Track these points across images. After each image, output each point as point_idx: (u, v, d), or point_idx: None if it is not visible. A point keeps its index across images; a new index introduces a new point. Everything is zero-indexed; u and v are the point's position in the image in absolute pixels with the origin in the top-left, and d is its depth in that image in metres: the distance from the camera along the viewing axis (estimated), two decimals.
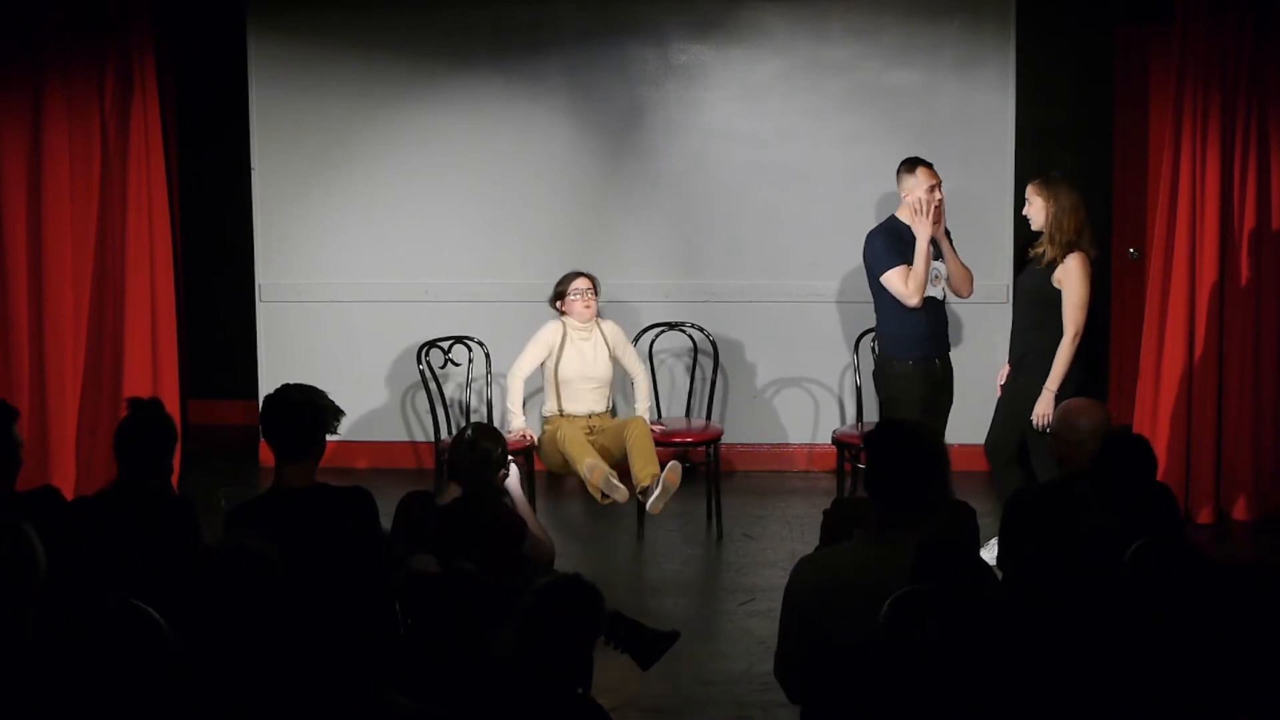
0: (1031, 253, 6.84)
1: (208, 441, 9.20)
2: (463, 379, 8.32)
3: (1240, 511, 7.66)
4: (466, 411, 8.21)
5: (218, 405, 9.64)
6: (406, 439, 8.82)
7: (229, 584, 3.41)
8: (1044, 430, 6.48)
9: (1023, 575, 3.94)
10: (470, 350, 8.26)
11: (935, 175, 6.94)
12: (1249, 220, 7.52)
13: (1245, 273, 7.55)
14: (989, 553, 4.71)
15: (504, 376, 7.95)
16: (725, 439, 8.21)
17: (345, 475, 6.73)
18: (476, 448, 5.19)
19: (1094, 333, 7.08)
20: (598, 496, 7.14)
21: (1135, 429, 7.45)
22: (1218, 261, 7.51)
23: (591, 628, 3.58)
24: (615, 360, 7.68)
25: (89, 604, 3.18)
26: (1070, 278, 6.65)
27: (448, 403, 8.14)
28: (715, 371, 8.34)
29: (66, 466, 7.60)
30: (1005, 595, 3.87)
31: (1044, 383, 6.66)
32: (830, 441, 8.01)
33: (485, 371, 8.30)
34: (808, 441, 8.78)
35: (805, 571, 4.17)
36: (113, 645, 3.12)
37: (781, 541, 7.44)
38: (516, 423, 7.51)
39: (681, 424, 8.10)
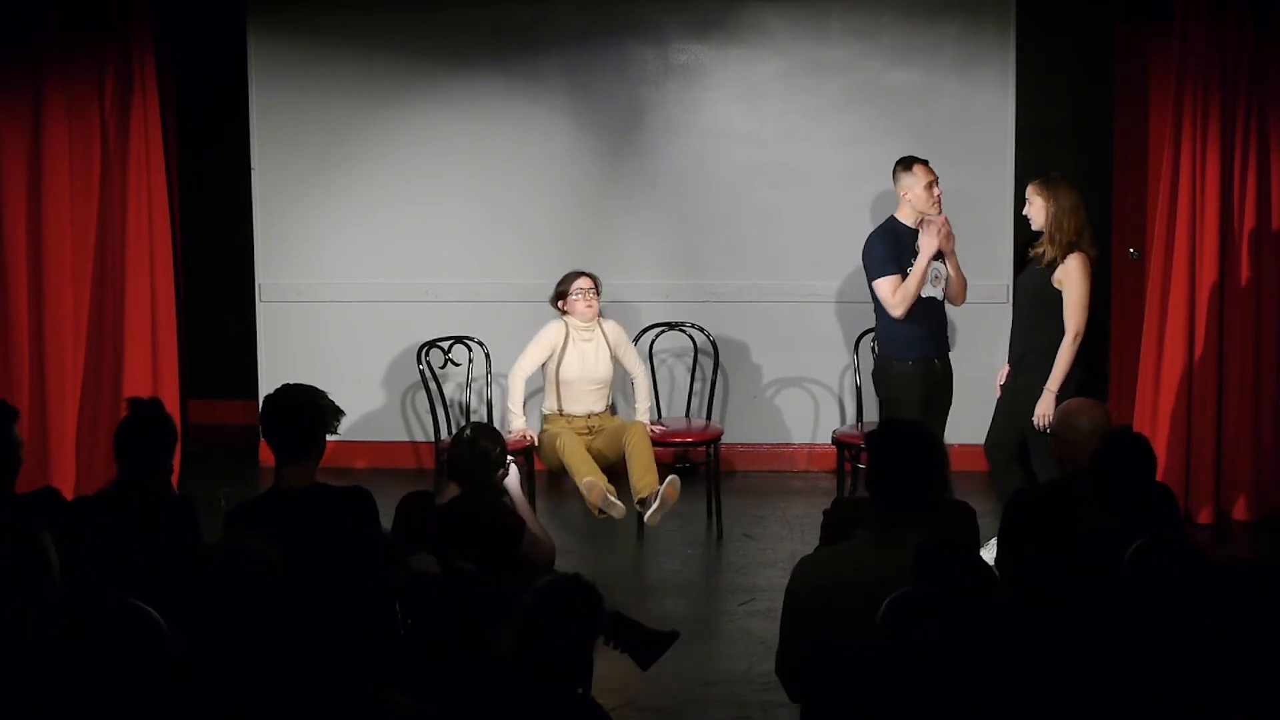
0: (1031, 253, 6.85)
1: (208, 441, 9.20)
2: (463, 379, 8.32)
3: (1240, 511, 7.66)
4: (466, 412, 8.21)
5: (218, 405, 9.64)
6: (406, 439, 8.82)
7: (229, 584, 3.41)
8: (1044, 430, 6.48)
9: (1023, 575, 3.94)
10: (470, 350, 8.26)
11: (932, 172, 6.95)
12: (1249, 220, 7.52)
13: (1245, 273, 7.55)
14: (989, 553, 4.71)
15: (504, 376, 7.95)
16: (725, 439, 8.21)
17: (345, 475, 6.73)
18: (475, 447, 5.19)
19: (1094, 333, 7.08)
20: (594, 512, 7.14)
21: (1135, 429, 7.43)
22: (1218, 261, 7.51)
23: (591, 628, 3.58)
24: (616, 360, 7.68)
25: (89, 604, 3.18)
26: (1071, 278, 6.65)
27: (448, 403, 8.14)
28: (715, 371, 8.35)
29: (66, 466, 7.59)
30: (1005, 595, 3.87)
31: (1044, 383, 6.66)
32: (830, 441, 8.02)
33: (485, 371, 8.30)
34: (808, 441, 8.78)
35: (806, 571, 4.17)
36: (113, 645, 3.12)
37: (781, 541, 7.44)
38: (517, 423, 7.51)
39: (681, 424, 8.10)
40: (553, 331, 7.58)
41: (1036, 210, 6.76)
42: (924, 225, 6.89)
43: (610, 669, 4.77)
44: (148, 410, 4.81)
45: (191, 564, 3.51)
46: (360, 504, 4.81)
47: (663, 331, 8.43)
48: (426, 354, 8.04)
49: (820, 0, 8.52)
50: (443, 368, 8.15)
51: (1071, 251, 6.66)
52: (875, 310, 7.04)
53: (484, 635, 4.54)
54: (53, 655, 3.13)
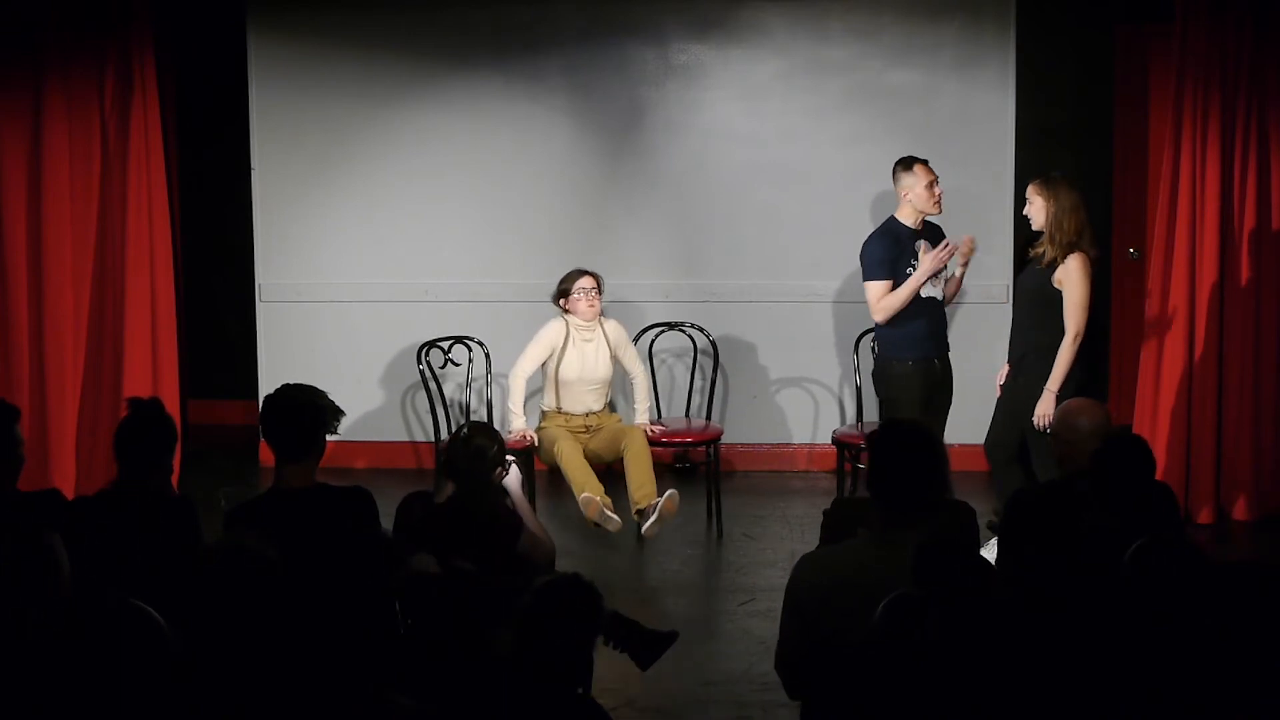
0: (1031, 253, 6.85)
1: (208, 441, 9.20)
2: (463, 379, 8.33)
3: (1240, 511, 7.66)
4: (466, 412, 8.21)
5: (218, 405, 9.64)
6: (406, 439, 8.82)
7: (229, 584, 3.41)
8: (1044, 430, 6.48)
9: (1023, 575, 3.94)
10: (470, 350, 8.26)
11: (932, 172, 6.96)
12: (1249, 220, 7.52)
13: (1245, 273, 7.55)
14: (989, 553, 4.71)
15: (504, 376, 7.96)
16: (725, 439, 8.21)
17: (345, 475, 6.73)
18: (470, 444, 5.19)
19: (1094, 333, 7.08)
20: (590, 525, 7.13)
21: (1135, 429, 7.45)
22: (1218, 261, 7.52)
23: (591, 627, 3.58)
24: (616, 360, 7.68)
25: (89, 604, 3.18)
26: (1071, 278, 6.65)
27: (448, 403, 8.14)
28: (715, 371, 8.35)
29: (66, 466, 7.60)
30: (1005, 595, 3.87)
31: (1044, 383, 6.66)
32: (830, 441, 8.01)
33: (485, 371, 8.30)
34: (808, 441, 8.78)
35: (806, 569, 4.17)
36: (113, 645, 3.12)
37: (781, 541, 7.44)
38: (517, 423, 7.50)
39: (681, 424, 8.10)
40: (553, 331, 7.57)
41: (1037, 210, 6.76)
42: (924, 248, 6.89)
43: (610, 669, 4.77)
44: (148, 410, 4.81)
45: (191, 564, 3.51)
46: (360, 504, 4.81)
47: (663, 331, 8.43)
48: (426, 354, 8.04)
49: (820, 0, 8.52)
50: (443, 368, 8.15)
51: (1072, 251, 6.66)
52: None
53: (484, 635, 4.54)
54: (53, 655, 3.13)
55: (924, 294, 6.91)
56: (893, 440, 4.23)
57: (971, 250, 7.05)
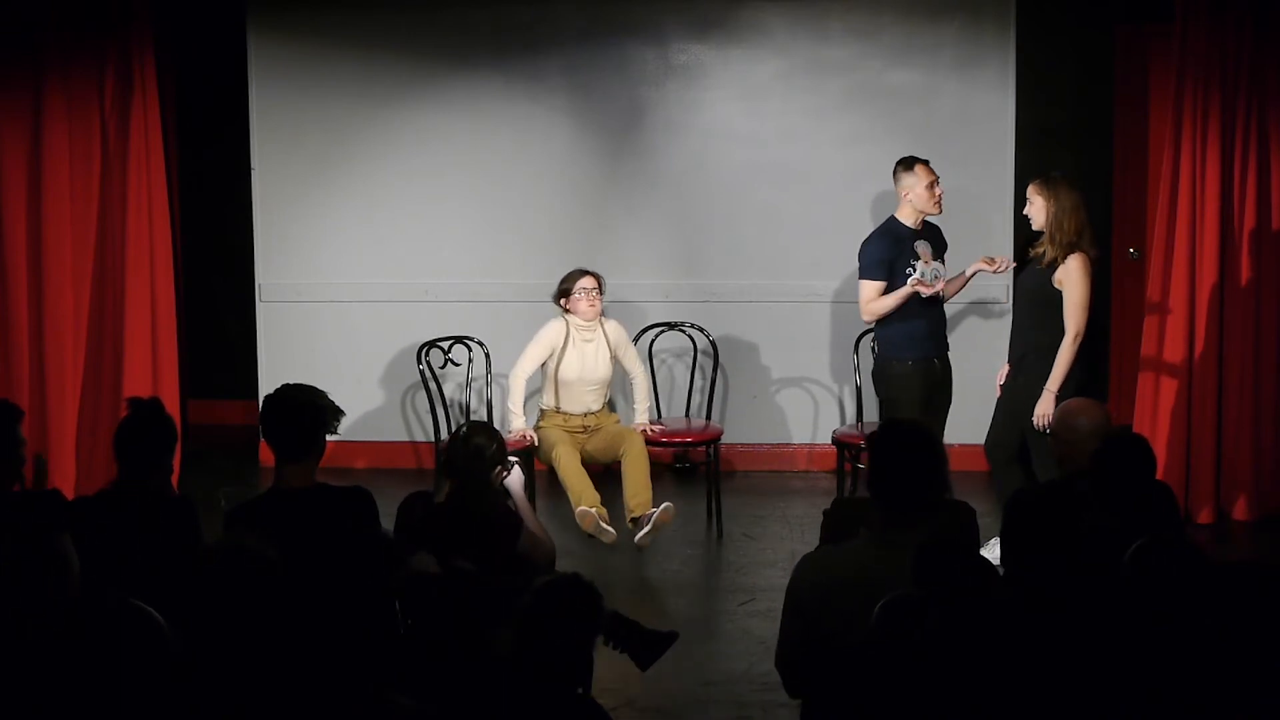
0: (1032, 253, 6.85)
1: (208, 441, 9.20)
2: (463, 379, 8.33)
3: (1240, 511, 7.66)
4: (466, 412, 8.21)
5: (218, 405, 9.64)
6: (406, 439, 8.82)
7: (229, 584, 3.41)
8: (1044, 430, 6.48)
9: (1023, 575, 3.94)
10: (470, 350, 8.26)
11: (933, 172, 6.96)
12: (1249, 220, 7.52)
13: (1245, 273, 7.55)
14: (990, 552, 4.71)
15: (504, 376, 7.96)
16: (725, 439, 8.21)
17: (345, 475, 6.73)
18: (469, 443, 5.19)
19: (1094, 333, 7.08)
20: (584, 533, 7.12)
21: (1135, 429, 7.44)
22: (1218, 261, 7.51)
23: (591, 627, 3.58)
24: (615, 360, 7.67)
25: (89, 604, 3.18)
26: (1071, 278, 6.65)
27: (448, 403, 8.14)
28: (715, 371, 8.35)
29: (66, 466, 7.60)
30: (1005, 595, 3.87)
31: (1044, 383, 6.66)
32: (830, 441, 8.01)
33: (485, 371, 8.30)
34: (808, 441, 8.78)
35: (806, 569, 4.18)
36: (113, 645, 3.12)
37: (781, 541, 7.44)
38: (517, 423, 7.50)
39: (681, 424, 8.10)
40: (553, 331, 7.57)
41: (1037, 210, 6.76)
42: (924, 249, 6.90)
43: (610, 669, 4.77)
44: (148, 410, 4.81)
45: (191, 564, 3.51)
46: (360, 504, 4.82)
47: (663, 331, 8.43)
48: (426, 354, 8.04)
49: (820, 0, 8.52)
50: (443, 368, 8.15)
51: (1072, 251, 6.66)
52: None
53: (484, 635, 4.54)
54: (54, 655, 3.13)
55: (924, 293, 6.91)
56: (893, 440, 4.24)
57: (1004, 268, 7.07)
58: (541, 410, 7.62)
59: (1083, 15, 8.94)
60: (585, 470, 7.22)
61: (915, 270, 6.88)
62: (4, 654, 3.35)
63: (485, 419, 8.11)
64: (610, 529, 7.03)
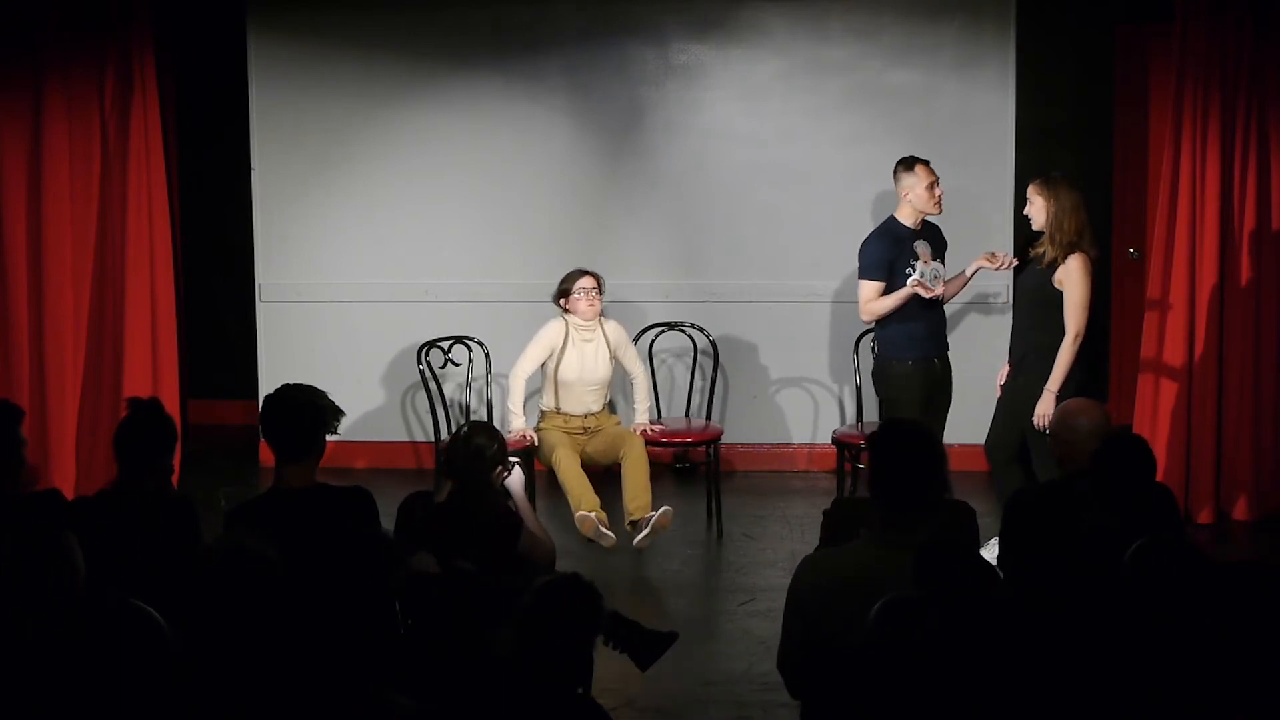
0: (1032, 253, 6.85)
1: (208, 441, 9.20)
2: (463, 379, 8.32)
3: (1240, 511, 7.66)
4: (466, 412, 8.21)
5: (218, 405, 9.64)
6: (406, 439, 8.82)
7: (229, 584, 3.42)
8: (1044, 430, 6.48)
9: (1023, 575, 3.94)
10: (470, 350, 8.26)
11: (933, 173, 6.96)
12: (1249, 220, 7.52)
13: (1245, 273, 7.55)
14: (989, 553, 4.71)
15: (504, 376, 7.95)
16: (725, 439, 8.21)
17: (345, 475, 6.73)
18: (470, 443, 5.20)
19: (1094, 333, 7.08)
20: (583, 536, 7.12)
21: (1135, 429, 7.45)
22: (1218, 261, 7.51)
23: (591, 627, 3.59)
24: (615, 360, 7.67)
25: (89, 604, 3.18)
26: (1071, 278, 6.65)
27: (448, 403, 8.14)
28: (715, 371, 8.34)
29: (66, 466, 7.60)
30: (1005, 595, 3.87)
31: (1044, 383, 6.66)
32: (830, 441, 8.01)
33: (485, 371, 8.30)
34: (808, 441, 8.78)
35: (807, 570, 4.18)
36: (113, 645, 3.12)
37: (781, 541, 7.44)
38: (517, 424, 7.50)
39: (681, 424, 8.10)
40: (553, 331, 7.57)
41: (1037, 210, 6.76)
42: (924, 249, 6.90)
43: (610, 669, 4.77)
44: (146, 410, 4.81)
45: (191, 564, 3.51)
46: (360, 504, 4.82)
47: (663, 331, 8.43)
48: (426, 354, 8.04)
49: (820, 0, 8.52)
50: (443, 368, 8.15)
51: (1072, 251, 6.66)
52: None
53: (484, 635, 4.55)
54: (54, 655, 3.13)
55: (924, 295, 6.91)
56: (893, 440, 4.24)
57: (1006, 266, 7.06)
58: (542, 412, 7.62)
59: (1083, 15, 8.94)
60: (585, 473, 7.22)
61: (915, 270, 6.88)
62: (5, 654, 3.35)
63: (485, 419, 8.11)
64: (610, 533, 7.03)
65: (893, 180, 7.06)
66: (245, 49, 8.68)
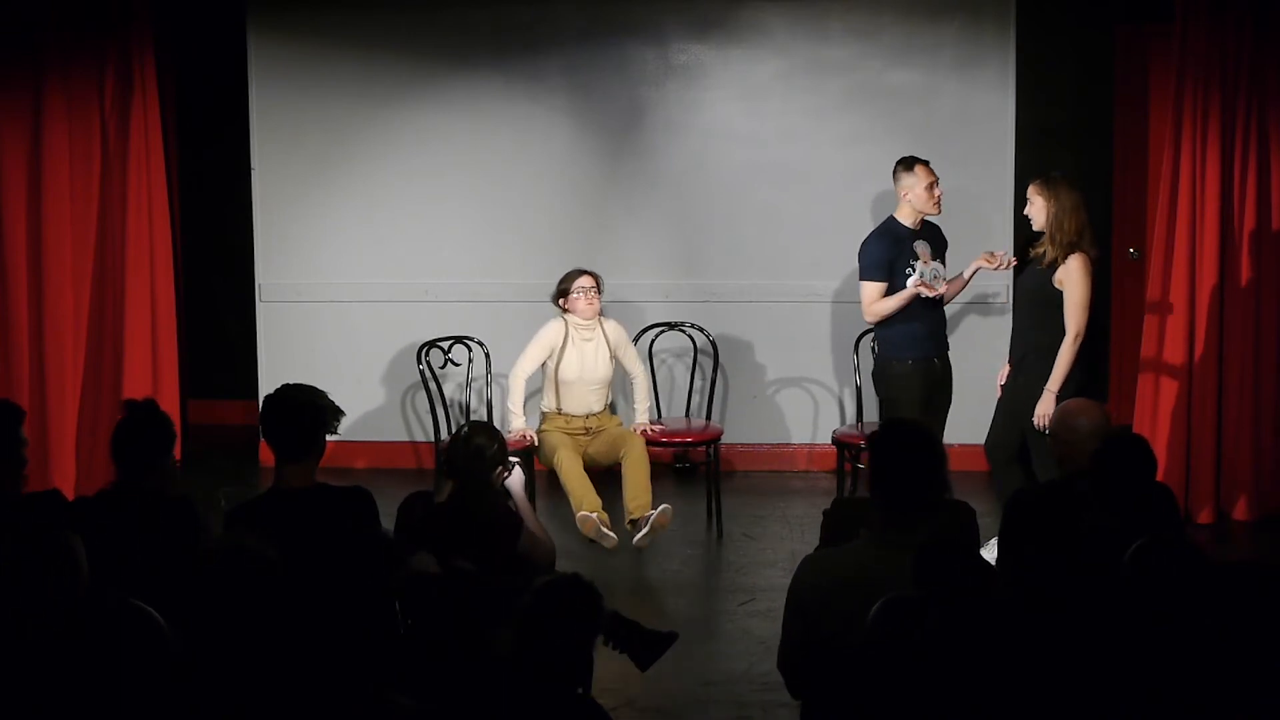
0: (1032, 253, 6.85)
1: (208, 441, 9.20)
2: (463, 379, 8.32)
3: (1240, 511, 7.66)
4: (466, 412, 8.21)
5: (218, 405, 9.64)
6: (406, 439, 8.82)
7: (229, 584, 3.42)
8: (1044, 430, 6.48)
9: (1023, 575, 3.94)
10: (470, 350, 8.26)
11: (933, 173, 6.96)
12: (1249, 220, 7.52)
13: (1245, 273, 7.55)
14: (989, 553, 4.71)
15: (504, 376, 7.95)
16: (725, 439, 8.21)
17: (345, 475, 6.73)
18: (470, 443, 5.20)
19: (1094, 333, 7.08)
20: (584, 535, 7.12)
21: (1135, 429, 7.44)
22: (1218, 261, 7.51)
23: (591, 627, 3.59)
24: (615, 360, 7.67)
25: (89, 604, 3.18)
26: (1072, 278, 6.65)
27: (448, 403, 8.14)
28: (715, 371, 8.34)
29: (66, 466, 7.60)
30: (1005, 595, 3.87)
31: (1044, 383, 6.66)
32: (830, 441, 8.01)
33: (485, 371, 8.30)
34: (808, 441, 8.78)
35: (808, 571, 4.18)
36: (113, 645, 3.12)
37: (781, 541, 7.44)
38: (517, 423, 7.50)
39: (681, 424, 8.10)
40: (552, 330, 7.57)
41: (1037, 210, 6.76)
42: (924, 249, 6.91)
43: (610, 669, 4.77)
44: (142, 412, 4.81)
45: (191, 564, 3.51)
46: (360, 504, 4.82)
47: (663, 331, 8.43)
48: (426, 354, 8.04)
49: (820, 0, 8.52)
50: (443, 368, 8.15)
51: (1072, 252, 6.66)
52: None
53: (484, 635, 4.55)
54: (54, 655, 3.13)
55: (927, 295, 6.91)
56: (893, 440, 4.24)
57: (1005, 265, 7.07)
58: (543, 413, 7.62)
59: (1083, 15, 8.94)
60: (587, 475, 7.23)
61: (915, 270, 6.88)
62: (5, 654, 3.35)
63: (485, 419, 8.11)
64: (611, 534, 7.02)
65: (892, 180, 7.06)
66: (245, 49, 8.68)
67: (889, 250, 6.91)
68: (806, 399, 8.75)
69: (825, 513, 4.89)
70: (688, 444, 7.98)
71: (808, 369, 8.72)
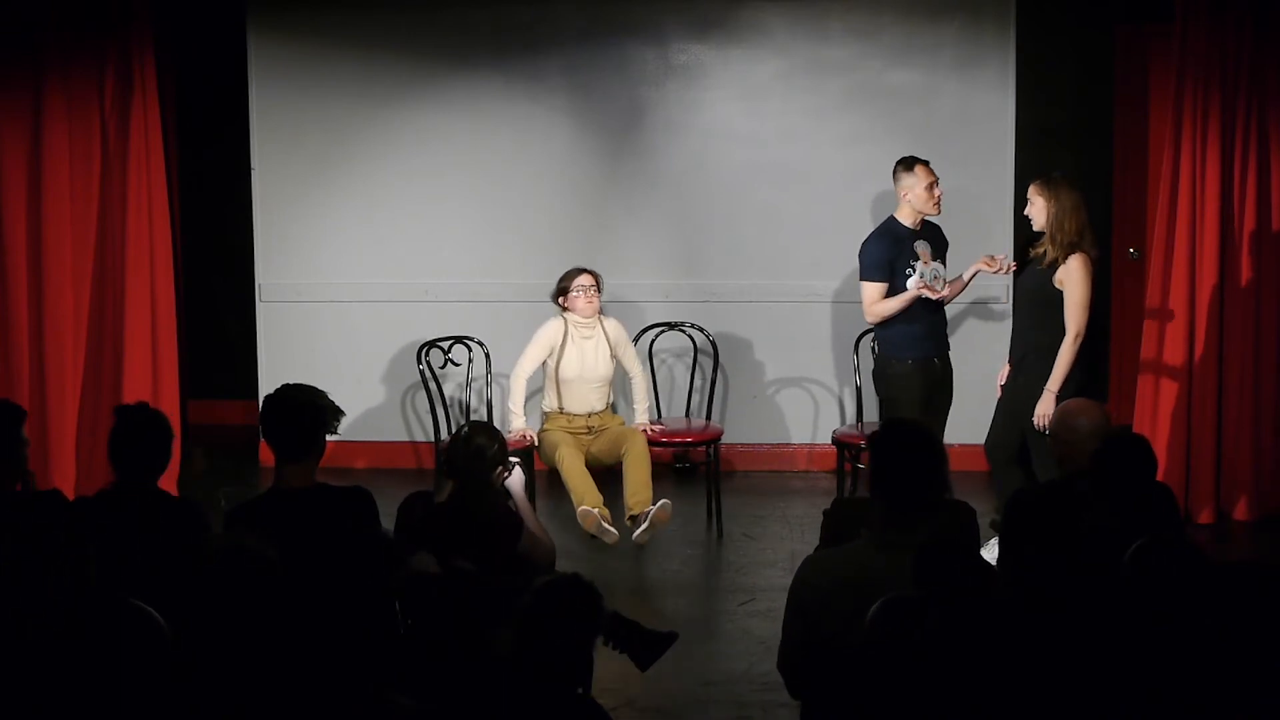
0: (1032, 253, 6.85)
1: (208, 441, 9.20)
2: (463, 379, 8.33)
3: (1240, 511, 7.66)
4: (466, 411, 8.21)
5: (218, 405, 9.64)
6: (406, 439, 8.82)
7: (229, 584, 3.42)
8: (1044, 431, 6.48)
9: (1023, 575, 3.94)
10: (470, 350, 8.26)
11: (933, 173, 6.97)
12: (1249, 220, 7.52)
13: (1245, 273, 7.55)
14: (989, 553, 4.71)
15: (504, 376, 7.96)
16: (725, 439, 8.21)
17: (345, 475, 6.73)
18: (470, 443, 5.20)
19: (1094, 333, 7.08)
20: (585, 534, 7.12)
21: (1135, 429, 7.44)
22: (1218, 261, 7.51)
23: (591, 627, 3.58)
24: (615, 358, 7.68)
25: (89, 604, 3.18)
26: (1072, 278, 6.65)
27: (448, 403, 8.14)
28: (715, 371, 8.34)
29: (66, 467, 7.59)
30: (1005, 595, 3.87)
31: (1044, 383, 6.66)
32: (830, 441, 8.01)
33: (485, 371, 8.30)
34: (808, 441, 8.78)
35: (808, 571, 4.18)
36: (113, 645, 3.12)
37: (781, 541, 7.44)
38: (517, 423, 7.51)
39: (681, 424, 8.10)
40: (552, 329, 7.57)
41: (1037, 210, 6.77)
42: (924, 249, 6.91)
43: (610, 669, 4.77)
44: (137, 417, 4.82)
45: (192, 564, 3.51)
46: (360, 504, 4.82)
47: (663, 331, 8.43)
48: (426, 354, 8.04)
49: (820, 0, 8.52)
50: (443, 368, 8.15)
51: (1073, 252, 6.66)
52: None
53: (484, 635, 4.55)
54: (53, 655, 3.13)
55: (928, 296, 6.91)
56: (893, 440, 4.24)
57: (1005, 269, 7.07)
58: (545, 413, 7.62)
59: (1083, 15, 8.94)
60: (589, 472, 7.23)
61: (915, 271, 6.88)
62: (5, 654, 3.35)
63: (485, 419, 8.11)
64: (612, 529, 7.03)
65: (892, 180, 7.06)
66: (245, 49, 8.68)
67: (889, 250, 6.91)
68: (806, 399, 8.75)
69: (825, 513, 4.89)
70: (688, 444, 7.99)
71: (808, 369, 8.72)
